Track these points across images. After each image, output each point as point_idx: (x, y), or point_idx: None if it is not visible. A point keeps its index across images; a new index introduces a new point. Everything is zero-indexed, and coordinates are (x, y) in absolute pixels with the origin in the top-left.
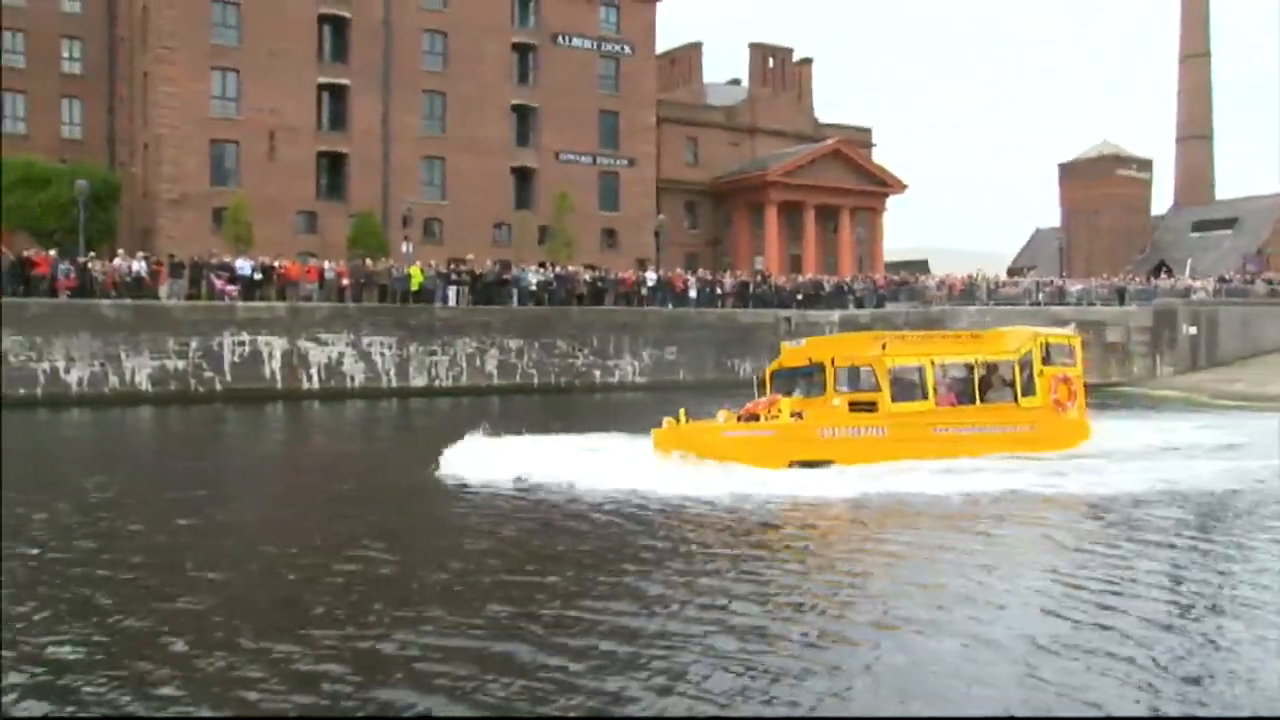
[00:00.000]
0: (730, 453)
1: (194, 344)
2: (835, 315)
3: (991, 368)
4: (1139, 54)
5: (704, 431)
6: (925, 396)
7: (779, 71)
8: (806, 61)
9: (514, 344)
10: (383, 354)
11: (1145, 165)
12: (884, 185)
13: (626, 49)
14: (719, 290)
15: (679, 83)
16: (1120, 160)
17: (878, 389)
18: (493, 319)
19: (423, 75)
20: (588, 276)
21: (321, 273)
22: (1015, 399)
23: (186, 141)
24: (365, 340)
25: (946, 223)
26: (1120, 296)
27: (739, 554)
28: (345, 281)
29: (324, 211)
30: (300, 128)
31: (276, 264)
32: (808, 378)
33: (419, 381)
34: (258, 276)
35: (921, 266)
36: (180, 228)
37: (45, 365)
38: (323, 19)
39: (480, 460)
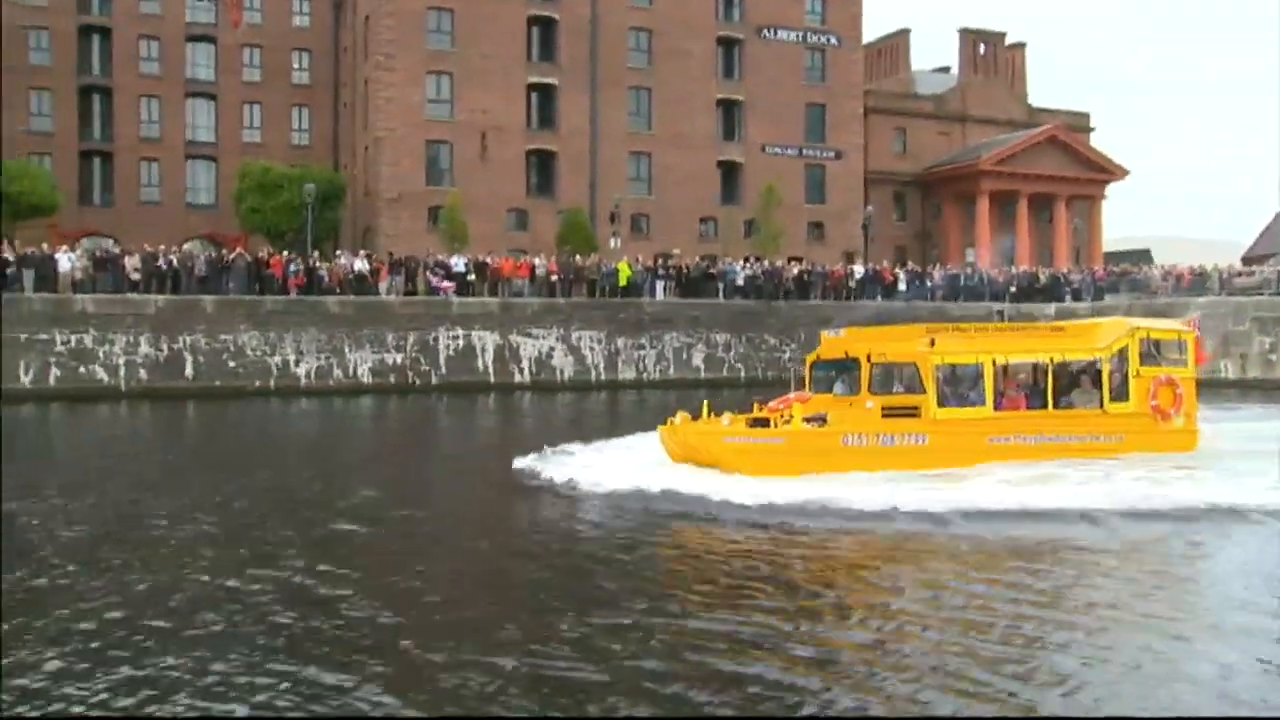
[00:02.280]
0: (732, 461)
1: (411, 338)
2: (1051, 309)
3: (1072, 367)
4: None
5: (704, 436)
6: (981, 401)
7: (990, 57)
8: (1019, 46)
9: (721, 338)
10: (592, 348)
11: None
12: (1103, 172)
13: (833, 40)
14: (929, 283)
15: (886, 72)
16: None
17: (921, 390)
18: (700, 313)
19: (629, 72)
20: (795, 270)
21: (532, 269)
22: (1101, 404)
23: (403, 144)
24: (575, 334)
25: (1172, 209)
26: None
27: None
28: (555, 277)
29: (534, 208)
30: (510, 127)
31: (489, 260)
32: (846, 373)
33: (627, 375)
34: (471, 274)
35: (1144, 256)
36: (398, 226)
37: (277, 359)
38: (531, 21)
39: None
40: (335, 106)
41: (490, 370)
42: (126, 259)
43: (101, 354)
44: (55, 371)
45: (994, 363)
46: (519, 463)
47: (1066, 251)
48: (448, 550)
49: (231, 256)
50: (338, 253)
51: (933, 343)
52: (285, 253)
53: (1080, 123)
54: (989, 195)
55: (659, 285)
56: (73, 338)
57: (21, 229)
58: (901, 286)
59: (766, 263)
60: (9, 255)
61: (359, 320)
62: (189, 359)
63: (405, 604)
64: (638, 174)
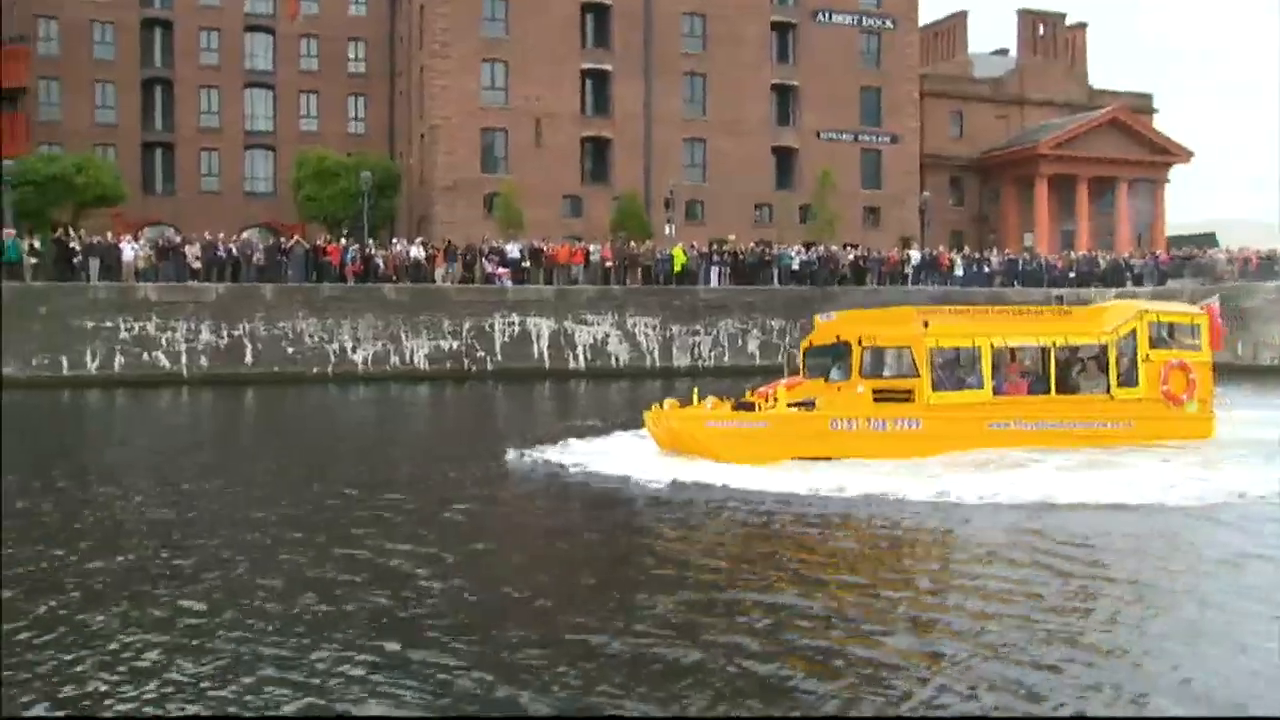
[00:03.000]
0: (714, 447)
1: (467, 325)
2: (1111, 294)
3: (1077, 352)
4: None
5: (686, 421)
6: (979, 385)
7: (1050, 39)
8: (1080, 26)
9: (776, 324)
10: (646, 334)
11: None
12: (1166, 154)
13: (888, 23)
14: (986, 268)
15: (943, 55)
16: None
17: (915, 374)
18: (755, 299)
19: (683, 58)
20: (850, 256)
21: (587, 255)
22: (1108, 390)
23: (459, 132)
24: (630, 321)
25: (1240, 192)
26: None
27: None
28: (610, 263)
29: (588, 195)
30: (565, 114)
31: (544, 247)
32: (841, 358)
33: (682, 361)
34: (526, 261)
35: (1208, 240)
36: (454, 213)
37: (335, 345)
38: (585, 8)
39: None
40: (391, 95)
41: (545, 357)
42: (187, 247)
43: (164, 341)
44: (120, 358)
45: (992, 346)
46: (583, 447)
47: (1128, 235)
48: (518, 534)
49: (289, 244)
50: (394, 240)
51: (926, 325)
52: (342, 240)
53: (1143, 104)
54: (1048, 179)
55: (713, 271)
56: (136, 325)
57: (87, 219)
58: (958, 272)
59: (821, 248)
60: (75, 244)
61: (415, 307)
62: (248, 346)
63: (488, 585)
64: (692, 160)
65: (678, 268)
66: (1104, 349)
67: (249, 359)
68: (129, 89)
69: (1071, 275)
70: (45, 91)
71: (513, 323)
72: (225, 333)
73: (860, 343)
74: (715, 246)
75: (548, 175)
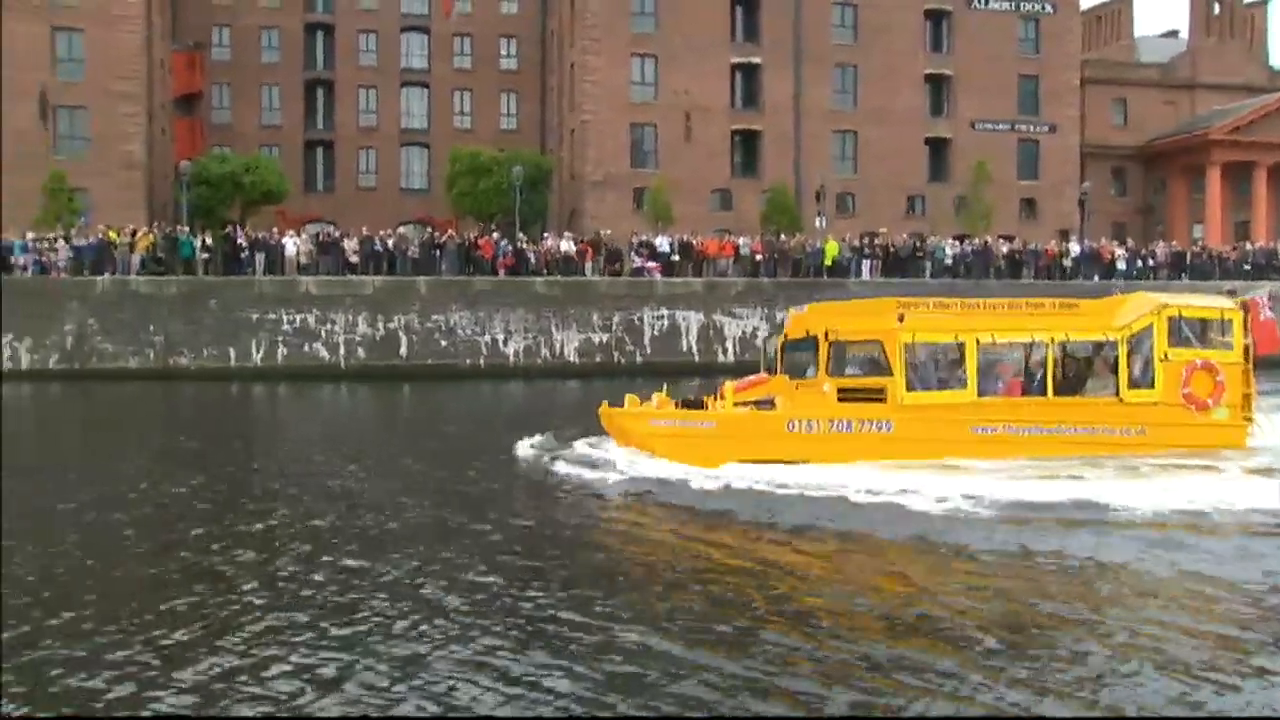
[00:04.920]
0: (658, 447)
1: (616, 318)
2: None
3: (1081, 350)
4: None
5: (630, 419)
6: (962, 384)
7: (1225, 18)
8: (1259, 4)
9: None
10: None
11: None
12: None
13: (1048, 8)
14: (1150, 261)
15: (1106, 40)
16: None
17: (888, 372)
18: (906, 293)
19: (833, 49)
20: (1005, 248)
21: (737, 249)
22: (1117, 392)
23: (608, 127)
24: (779, 314)
25: None
26: None
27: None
28: (759, 257)
29: (738, 188)
30: (714, 108)
31: (694, 241)
32: (810, 354)
33: None
34: (675, 255)
35: None
36: (604, 208)
37: (487, 338)
38: (735, 0)
39: None
40: (542, 91)
41: (694, 350)
42: (345, 242)
43: (323, 333)
44: (282, 349)
45: (978, 342)
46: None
47: None
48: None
49: (443, 239)
50: (545, 234)
51: (902, 319)
52: (494, 234)
53: None
54: (1220, 167)
55: (864, 265)
56: (297, 317)
57: (252, 215)
58: (1121, 265)
59: (976, 241)
60: (242, 240)
61: (566, 300)
62: (403, 338)
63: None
64: (843, 152)
65: (829, 260)
66: (1112, 347)
67: (403, 351)
68: (293, 91)
69: (1246, 268)
70: (217, 96)
71: (662, 316)
72: (381, 325)
73: (827, 337)
74: (866, 239)
75: (697, 169)
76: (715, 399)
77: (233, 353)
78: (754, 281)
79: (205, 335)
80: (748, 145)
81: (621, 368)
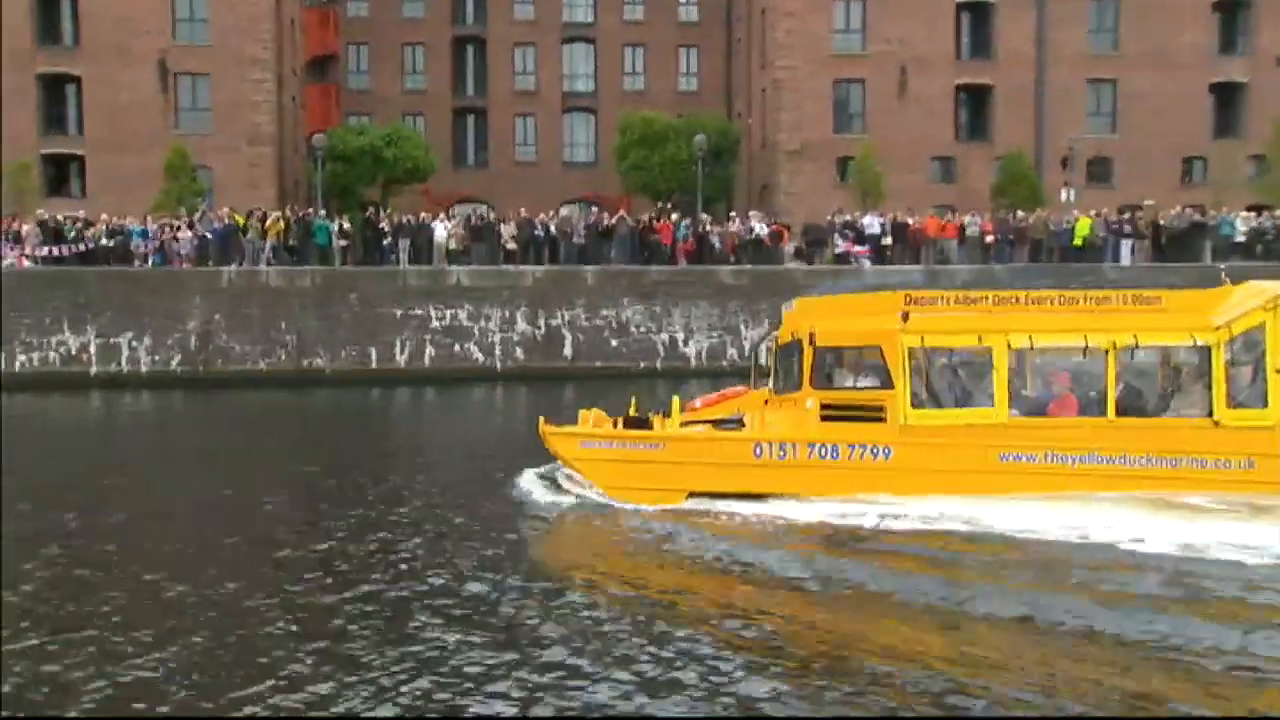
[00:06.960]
0: (591, 474)
1: None
2: None
3: (1159, 357)
4: None
5: (560, 439)
6: (988, 401)
7: None
8: None
9: None
10: None
11: None
12: None
13: None
14: None
15: None
16: None
17: (888, 384)
18: (1181, 279)
19: None
20: None
21: (962, 229)
22: (1210, 412)
23: (807, 84)
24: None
25: None
26: None
27: None
28: (990, 238)
29: (963, 156)
30: (934, 59)
31: (910, 220)
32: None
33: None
34: (887, 237)
35: None
36: (801, 181)
37: (664, 336)
38: None
39: None
40: (728, 46)
41: None
42: (502, 226)
43: (476, 331)
44: (430, 350)
45: (1010, 347)
46: None
47: None
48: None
49: (613, 221)
50: (732, 214)
51: (906, 318)
52: (673, 215)
53: None
54: None
55: (1125, 246)
56: (447, 313)
57: (394, 195)
58: None
59: (1277, 213)
60: (385, 225)
61: (756, 292)
62: (568, 337)
63: None
64: (1098, 107)
65: (1079, 241)
66: (1205, 353)
67: (568, 351)
68: (439, 51)
69: None
70: (354, 58)
71: None
72: (542, 322)
73: (811, 341)
74: (1128, 214)
75: (913, 133)
76: (663, 417)
77: (374, 353)
78: (984, 268)
79: (343, 333)
80: (976, 103)
81: None
